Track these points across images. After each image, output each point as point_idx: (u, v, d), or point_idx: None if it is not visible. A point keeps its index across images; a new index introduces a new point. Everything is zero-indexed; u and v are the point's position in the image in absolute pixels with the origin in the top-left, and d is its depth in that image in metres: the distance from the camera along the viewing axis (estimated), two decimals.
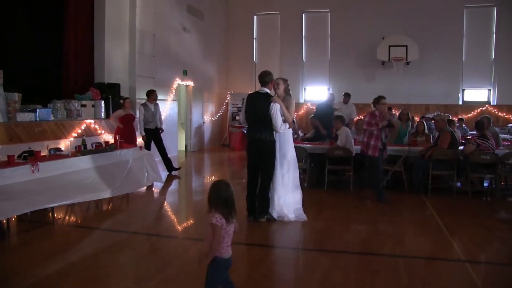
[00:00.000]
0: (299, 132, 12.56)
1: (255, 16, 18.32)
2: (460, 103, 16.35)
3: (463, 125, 13.13)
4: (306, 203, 7.50)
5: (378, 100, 7.93)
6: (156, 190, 9.08)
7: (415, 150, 8.83)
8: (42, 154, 6.91)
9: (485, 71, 16.25)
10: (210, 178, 11.04)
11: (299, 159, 9.54)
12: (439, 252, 5.41)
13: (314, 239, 6.06)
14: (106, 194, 7.33)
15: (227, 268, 3.47)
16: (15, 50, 9.59)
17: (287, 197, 6.67)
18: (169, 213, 7.71)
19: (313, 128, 10.68)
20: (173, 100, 14.00)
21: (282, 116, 6.39)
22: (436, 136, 9.07)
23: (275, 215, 6.59)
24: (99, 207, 7.44)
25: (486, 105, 15.97)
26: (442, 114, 10.62)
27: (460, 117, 14.33)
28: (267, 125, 6.40)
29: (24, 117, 8.37)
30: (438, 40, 16.00)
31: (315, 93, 17.82)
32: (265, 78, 6.51)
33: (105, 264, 4.90)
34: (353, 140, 8.98)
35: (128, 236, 6.01)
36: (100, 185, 7.28)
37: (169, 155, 10.66)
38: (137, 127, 10.22)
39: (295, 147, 8.87)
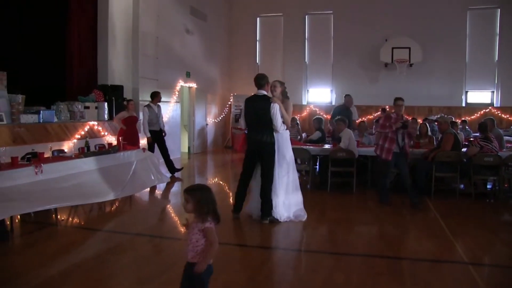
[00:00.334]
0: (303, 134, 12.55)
1: (258, 18, 18.33)
2: (464, 105, 16.32)
3: (466, 127, 13.10)
4: (309, 205, 7.50)
5: (395, 101, 7.83)
6: (159, 191, 9.09)
7: (418, 152, 8.82)
8: (45, 155, 6.92)
9: (488, 73, 16.22)
10: (213, 180, 11.04)
11: (302, 161, 9.61)
12: (442, 254, 5.40)
13: (316, 240, 6.06)
14: (110, 196, 7.34)
15: (211, 274, 3.36)
16: (18, 52, 9.63)
17: (288, 198, 6.71)
18: (172, 214, 7.72)
19: (316, 129, 10.69)
20: (176, 102, 14.01)
21: (281, 116, 6.46)
22: (439, 138, 9.07)
23: (276, 216, 6.59)
24: (102, 209, 7.45)
25: (490, 107, 15.94)
26: (445, 116, 10.61)
27: (463, 119, 14.28)
28: (268, 126, 6.47)
29: (28, 118, 8.39)
30: (441, 42, 15.98)
31: (318, 95, 17.82)
32: (260, 81, 6.63)
33: (108, 266, 4.91)
34: (356, 142, 8.97)
35: (131, 238, 6.01)
36: (104, 187, 7.29)
37: (172, 157, 10.67)
38: (140, 129, 10.24)
39: (299, 149, 9.04)
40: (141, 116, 10.49)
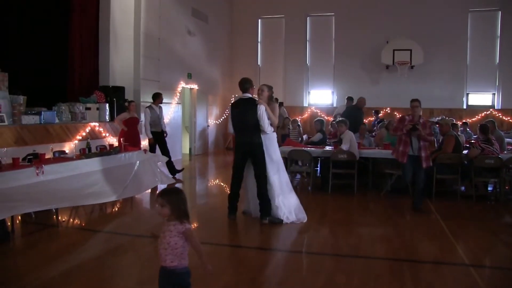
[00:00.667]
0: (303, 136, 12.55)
1: (259, 20, 18.36)
2: (465, 107, 16.33)
3: (467, 129, 13.09)
4: (310, 207, 7.51)
5: (410, 103, 7.58)
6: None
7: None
8: (46, 156, 6.93)
9: (489, 75, 16.23)
10: (214, 182, 11.04)
11: (303, 162, 9.61)
12: (444, 256, 5.40)
13: (318, 242, 6.05)
14: (111, 197, 7.34)
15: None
16: (20, 53, 9.65)
17: (287, 198, 6.77)
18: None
19: (317, 131, 10.69)
20: (178, 103, 14.02)
21: (268, 118, 6.56)
22: (440, 140, 9.06)
23: (279, 216, 6.63)
24: (103, 210, 7.45)
25: (491, 109, 15.95)
26: (446, 118, 10.61)
27: (464, 121, 14.27)
28: (255, 128, 6.57)
29: (29, 119, 8.40)
30: (442, 44, 15.99)
31: (319, 96, 17.83)
32: (245, 85, 6.75)
33: (109, 267, 4.91)
34: (357, 144, 8.97)
35: (132, 239, 6.01)
36: (105, 188, 7.29)
37: (173, 158, 10.67)
38: (141, 130, 10.24)
39: (300, 151, 9.05)
40: (142, 117, 10.49)
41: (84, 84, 10.86)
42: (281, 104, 13.97)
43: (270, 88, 6.92)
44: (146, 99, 11.44)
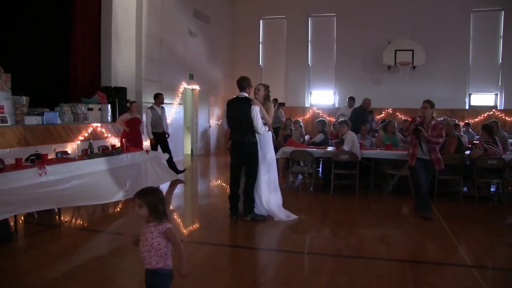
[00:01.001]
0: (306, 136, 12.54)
1: (261, 21, 18.35)
2: (467, 107, 16.30)
3: (470, 130, 13.07)
4: (312, 207, 7.51)
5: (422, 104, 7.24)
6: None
7: None
8: (49, 157, 6.95)
9: (492, 76, 16.20)
10: (215, 182, 11.05)
11: (305, 163, 9.61)
12: (446, 257, 5.39)
13: (319, 243, 6.05)
14: (113, 197, 7.36)
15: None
16: (22, 54, 9.66)
17: (270, 196, 6.87)
18: (175, 216, 7.71)
19: (319, 132, 10.69)
20: (179, 104, 14.04)
21: (262, 118, 6.63)
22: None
23: (257, 212, 6.76)
24: (106, 210, 7.47)
25: (493, 110, 15.91)
26: (449, 118, 10.59)
27: (466, 121, 14.26)
28: (249, 127, 6.63)
29: (32, 120, 8.43)
30: (444, 44, 15.96)
31: (321, 97, 17.82)
32: (242, 83, 6.85)
33: (111, 267, 4.92)
34: (359, 145, 8.96)
35: (135, 240, 6.00)
36: (107, 189, 7.31)
37: (174, 159, 10.67)
38: (143, 131, 10.25)
39: (302, 151, 9.05)
40: (144, 118, 10.50)
41: (86, 84, 10.89)
42: (280, 105, 13.97)
43: (266, 87, 6.99)
44: (148, 99, 11.46)
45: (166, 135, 10.49)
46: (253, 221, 6.63)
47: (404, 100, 15.83)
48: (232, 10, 18.52)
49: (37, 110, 8.83)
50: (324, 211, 7.79)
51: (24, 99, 8.53)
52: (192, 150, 15.58)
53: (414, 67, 15.93)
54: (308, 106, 17.73)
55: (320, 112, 17.09)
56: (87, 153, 7.60)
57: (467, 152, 8.86)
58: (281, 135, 11.68)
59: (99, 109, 10.30)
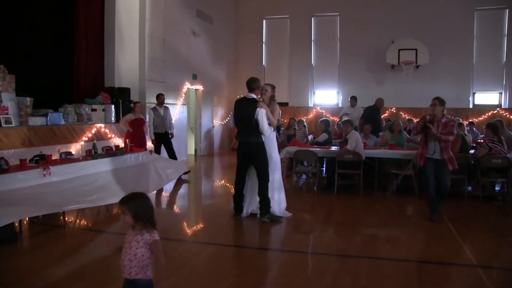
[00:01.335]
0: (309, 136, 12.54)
1: (264, 20, 18.34)
2: (471, 106, 16.24)
3: (474, 129, 13.03)
4: (316, 207, 7.50)
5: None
6: (165, 194, 9.11)
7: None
8: (53, 158, 6.97)
9: (496, 74, 16.12)
10: (219, 182, 11.05)
11: (309, 163, 9.61)
12: (450, 257, 5.37)
13: (323, 243, 6.04)
14: (117, 198, 7.32)
15: None
16: (26, 55, 9.70)
17: (277, 195, 6.92)
18: (179, 216, 7.73)
19: (323, 131, 10.68)
20: (183, 104, 14.05)
21: (267, 119, 6.64)
22: None
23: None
24: (110, 211, 7.48)
25: (497, 109, 15.84)
26: (453, 117, 10.54)
27: (470, 120, 14.20)
28: (254, 128, 6.61)
29: (36, 121, 8.45)
30: (448, 43, 15.90)
31: (325, 97, 17.80)
32: (252, 84, 6.82)
33: (115, 268, 4.90)
34: (363, 144, 8.95)
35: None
36: (111, 189, 7.32)
37: (178, 159, 10.68)
38: (147, 131, 10.27)
39: (306, 151, 9.05)
40: (147, 119, 10.53)
41: (90, 85, 10.91)
42: (283, 104, 13.97)
43: (273, 88, 7.04)
44: (152, 100, 11.47)
45: (170, 136, 10.49)
46: (271, 222, 6.61)
47: (407, 100, 15.80)
48: (235, 10, 18.52)
49: (41, 111, 8.86)
50: (328, 211, 7.78)
51: (28, 100, 8.56)
52: (195, 150, 15.59)
53: (417, 66, 15.89)
54: (312, 105, 17.71)
55: (324, 111, 17.07)
56: (91, 154, 7.61)
57: (472, 151, 8.83)
58: (284, 135, 11.67)
59: (103, 110, 10.32)
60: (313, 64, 17.85)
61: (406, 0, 16.38)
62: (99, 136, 9.74)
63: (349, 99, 13.53)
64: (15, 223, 5.88)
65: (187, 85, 14.37)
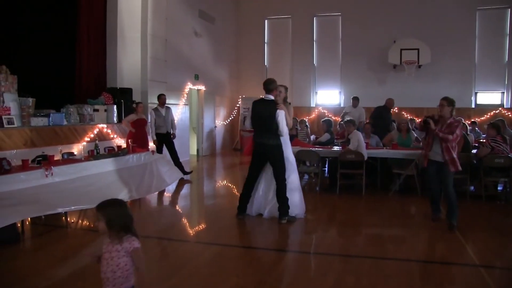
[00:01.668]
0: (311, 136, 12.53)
1: (266, 20, 18.35)
2: (473, 106, 16.21)
3: (476, 129, 13.01)
4: (318, 207, 7.49)
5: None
6: (168, 194, 9.11)
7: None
8: (55, 158, 6.97)
9: (498, 74, 16.10)
10: (221, 182, 11.05)
11: (311, 163, 9.60)
12: (453, 257, 5.36)
13: (326, 243, 6.04)
14: (120, 198, 7.36)
15: None
16: (28, 56, 9.70)
17: (293, 196, 6.83)
18: (181, 217, 7.73)
19: (325, 132, 10.67)
20: (185, 104, 14.06)
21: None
22: None
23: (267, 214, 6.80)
24: None
25: (500, 108, 15.81)
26: (460, 118, 10.50)
27: (473, 120, 14.19)
28: (273, 130, 6.60)
29: (38, 121, 8.45)
30: (450, 43, 15.89)
31: (327, 97, 17.79)
32: (270, 86, 6.79)
33: None
34: (365, 144, 8.94)
35: (141, 240, 6.00)
36: (114, 190, 7.32)
37: (180, 160, 10.68)
38: (149, 132, 10.27)
39: (308, 151, 9.05)
40: (149, 119, 10.53)
41: (92, 86, 10.92)
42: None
43: (286, 89, 7.15)
44: (154, 100, 11.47)
45: (172, 136, 10.49)
46: (288, 223, 6.59)
47: (410, 99, 15.77)
48: (237, 10, 18.53)
49: (43, 112, 8.86)
50: (330, 211, 7.77)
51: (31, 101, 8.57)
52: (198, 150, 15.60)
53: (419, 66, 15.88)
54: (314, 106, 17.71)
55: (326, 111, 17.06)
56: (93, 154, 7.60)
57: (474, 151, 8.81)
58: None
59: (105, 110, 10.32)
60: (315, 64, 17.84)
61: (408, 0, 16.36)
62: (101, 136, 9.74)
63: (351, 99, 13.53)
64: (17, 224, 5.89)
65: (189, 85, 14.38)
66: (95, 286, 4.35)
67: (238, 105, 17.93)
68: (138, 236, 2.96)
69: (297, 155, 9.00)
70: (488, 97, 16.32)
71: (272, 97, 6.75)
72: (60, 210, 6.24)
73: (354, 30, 16.92)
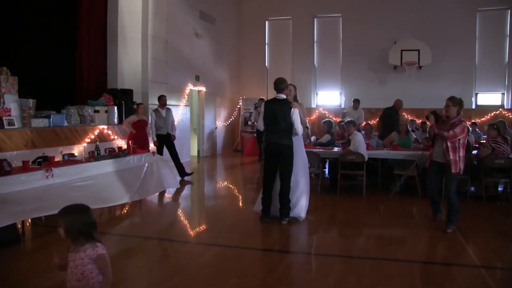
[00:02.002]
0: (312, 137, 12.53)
1: (267, 21, 18.34)
2: (473, 107, 16.20)
3: (477, 129, 13.01)
4: (319, 208, 7.49)
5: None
6: (168, 195, 9.11)
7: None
8: (56, 159, 6.97)
9: (498, 75, 16.09)
10: (222, 184, 11.05)
11: (312, 164, 9.59)
12: (454, 257, 5.36)
13: (327, 244, 6.04)
14: (120, 199, 7.38)
15: None
16: (29, 57, 9.70)
17: (302, 198, 6.82)
18: (182, 218, 7.73)
19: (326, 133, 10.68)
20: (186, 105, 14.06)
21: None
22: None
23: (296, 216, 6.72)
24: (112, 213, 7.48)
25: (500, 109, 15.80)
26: (463, 120, 10.50)
27: (473, 121, 14.18)
28: (287, 130, 6.58)
29: (39, 122, 8.46)
30: (450, 44, 15.88)
31: (327, 98, 17.78)
32: (281, 85, 6.73)
33: (118, 269, 4.92)
34: (365, 145, 8.94)
35: (141, 241, 6.03)
36: (114, 191, 7.33)
37: (181, 161, 10.68)
38: (149, 133, 10.28)
39: (309, 152, 9.03)
40: (149, 120, 10.54)
41: (93, 87, 10.92)
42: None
43: (295, 88, 7.11)
44: (154, 101, 11.47)
45: (172, 137, 10.48)
46: (289, 224, 6.58)
47: (410, 100, 15.67)
48: (238, 11, 18.53)
49: (44, 113, 8.87)
50: (331, 212, 7.78)
51: (31, 102, 8.57)
52: (198, 151, 15.60)
53: (420, 67, 15.86)
54: (314, 106, 17.69)
55: (326, 112, 17.05)
56: (93, 155, 7.61)
57: (474, 151, 8.81)
58: None
59: (106, 111, 10.32)
60: (316, 65, 17.84)
61: (409, 1, 16.36)
62: (102, 137, 9.74)
63: (352, 101, 13.56)
64: (18, 225, 5.90)
65: (189, 86, 14.39)
66: None
67: (238, 106, 17.92)
68: (101, 242, 2.84)
69: None
70: (488, 98, 16.30)
71: (284, 96, 6.72)
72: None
73: (355, 31, 16.91)
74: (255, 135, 15.11)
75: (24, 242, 5.84)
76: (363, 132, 10.66)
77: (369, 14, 16.64)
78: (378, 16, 16.50)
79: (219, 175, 12.68)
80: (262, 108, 6.87)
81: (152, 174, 8.55)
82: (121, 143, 10.07)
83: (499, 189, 9.02)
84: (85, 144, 9.19)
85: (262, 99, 14.19)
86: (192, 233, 6.65)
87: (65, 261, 2.85)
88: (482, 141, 10.11)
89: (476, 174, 8.32)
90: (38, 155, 6.91)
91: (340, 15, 17.31)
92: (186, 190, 9.83)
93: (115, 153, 8.09)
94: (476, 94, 16.30)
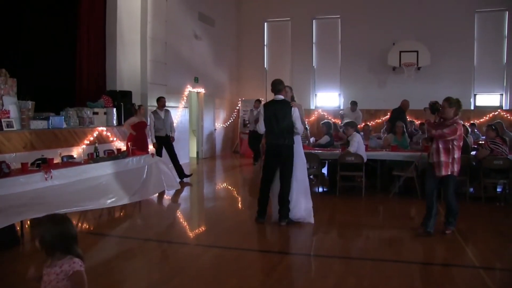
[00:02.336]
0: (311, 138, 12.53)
1: (266, 23, 18.34)
2: (472, 108, 16.21)
3: (475, 130, 13.02)
4: (319, 209, 7.48)
5: None
6: (168, 197, 9.10)
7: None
8: (55, 161, 6.97)
9: (497, 76, 16.11)
10: (221, 185, 11.05)
11: (311, 165, 9.59)
12: (453, 258, 5.37)
13: (326, 245, 6.04)
14: (119, 201, 7.36)
15: None
16: (28, 59, 9.70)
17: (301, 199, 6.79)
18: (181, 220, 7.73)
19: (325, 134, 10.68)
20: (185, 107, 14.06)
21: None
22: None
23: (291, 217, 6.69)
24: (112, 214, 7.47)
25: (499, 110, 15.81)
26: (459, 122, 10.52)
27: (472, 122, 14.19)
28: (288, 130, 6.61)
29: (37, 124, 8.45)
30: (449, 45, 15.89)
31: (326, 99, 17.79)
32: (279, 86, 6.77)
33: (117, 271, 4.92)
34: (364, 146, 8.95)
35: (141, 243, 6.02)
36: (113, 192, 7.31)
37: (180, 162, 10.68)
38: (148, 134, 10.28)
39: (308, 153, 9.04)
40: (148, 122, 10.54)
41: (92, 89, 10.91)
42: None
43: (291, 89, 7.21)
44: (153, 103, 11.46)
45: (171, 139, 10.47)
46: (288, 225, 6.57)
47: (409, 101, 15.76)
48: (237, 13, 18.54)
49: (43, 115, 8.86)
50: (330, 213, 7.78)
51: (30, 104, 8.57)
52: (197, 153, 15.59)
53: (419, 68, 15.88)
54: (313, 108, 17.70)
55: (325, 114, 17.05)
56: (92, 157, 7.60)
57: (473, 152, 8.82)
58: None
59: (105, 113, 10.30)
60: (315, 67, 17.85)
61: (407, 2, 16.37)
62: (101, 139, 9.73)
63: (349, 103, 13.59)
64: (17, 227, 5.89)
65: (189, 88, 14.38)
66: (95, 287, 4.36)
67: (237, 107, 17.92)
68: (82, 257, 2.64)
69: None
70: (487, 99, 16.31)
71: (282, 97, 6.76)
72: (59, 212, 6.22)
73: (353, 33, 16.92)
74: (248, 137, 14.91)
75: (23, 244, 5.82)
76: (362, 133, 10.67)
77: (367, 15, 16.65)
78: (377, 17, 16.51)
79: (218, 177, 12.67)
80: (262, 111, 6.88)
81: (151, 175, 8.54)
82: (120, 144, 10.07)
83: (498, 190, 9.02)
84: (84, 146, 9.18)
85: (259, 100, 14.18)
86: (191, 234, 6.65)
87: (40, 274, 2.62)
88: (480, 142, 10.12)
89: (475, 175, 8.33)
90: (37, 157, 6.91)
91: (339, 16, 17.32)
92: (186, 192, 9.82)
93: (114, 155, 8.09)
94: (475, 95, 16.31)
